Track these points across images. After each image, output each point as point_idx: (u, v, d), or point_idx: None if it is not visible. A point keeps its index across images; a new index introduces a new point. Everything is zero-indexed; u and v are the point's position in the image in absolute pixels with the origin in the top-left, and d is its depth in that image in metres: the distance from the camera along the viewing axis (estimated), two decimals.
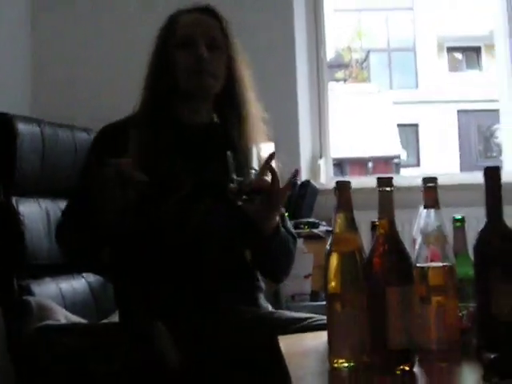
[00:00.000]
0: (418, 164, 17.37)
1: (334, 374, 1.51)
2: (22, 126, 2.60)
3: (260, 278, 2.34)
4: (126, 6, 4.23)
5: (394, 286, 1.45)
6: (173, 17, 2.31)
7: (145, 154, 2.02)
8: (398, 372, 1.45)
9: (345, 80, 17.76)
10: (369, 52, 18.27)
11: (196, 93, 2.25)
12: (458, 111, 17.72)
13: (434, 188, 1.57)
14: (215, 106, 2.33)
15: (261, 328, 2.06)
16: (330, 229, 3.58)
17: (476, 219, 3.90)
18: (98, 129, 2.38)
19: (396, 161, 16.67)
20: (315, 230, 3.62)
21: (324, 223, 3.74)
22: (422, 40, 18.12)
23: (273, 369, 1.74)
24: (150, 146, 2.10)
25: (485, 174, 1.55)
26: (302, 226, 3.66)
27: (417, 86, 18.12)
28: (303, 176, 4.27)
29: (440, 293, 1.53)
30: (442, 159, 16.47)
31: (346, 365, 1.50)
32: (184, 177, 2.16)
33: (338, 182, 1.55)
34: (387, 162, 16.50)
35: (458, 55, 18.45)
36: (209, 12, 2.32)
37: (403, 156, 16.89)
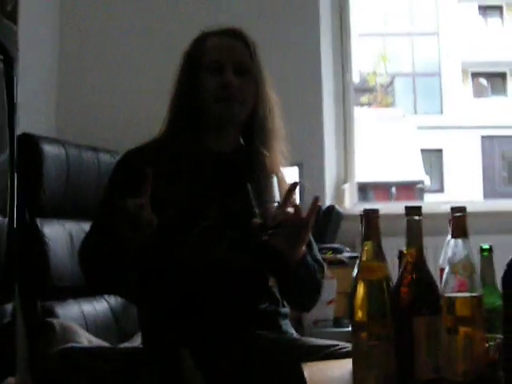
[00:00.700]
0: (441, 190, 17.29)
1: None
2: (47, 148, 2.63)
3: (285, 303, 2.30)
4: (151, 29, 4.27)
5: (422, 316, 1.44)
6: (200, 39, 2.28)
7: (167, 182, 2.02)
8: None
9: (369, 104, 17.74)
10: (394, 77, 18.26)
11: (222, 119, 2.20)
12: (482, 137, 17.64)
13: (463, 217, 1.55)
14: (242, 131, 2.29)
15: (286, 355, 2.04)
16: (353, 255, 3.57)
17: (501, 247, 3.88)
18: (121, 150, 2.38)
19: (419, 186, 16.59)
20: (339, 256, 3.60)
21: (348, 249, 3.73)
22: (447, 65, 18.09)
23: None
24: (174, 173, 2.10)
25: None
26: (326, 252, 3.65)
27: (441, 112, 18.07)
28: (327, 201, 4.27)
29: (467, 324, 1.51)
30: (466, 185, 16.38)
31: None
32: (208, 206, 2.12)
33: (365, 210, 1.54)
34: (411, 188, 16.44)
35: (483, 81, 18.39)
36: (236, 35, 2.27)
37: (427, 182, 16.81)
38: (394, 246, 3.32)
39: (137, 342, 2.41)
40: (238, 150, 2.27)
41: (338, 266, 3.52)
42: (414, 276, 1.47)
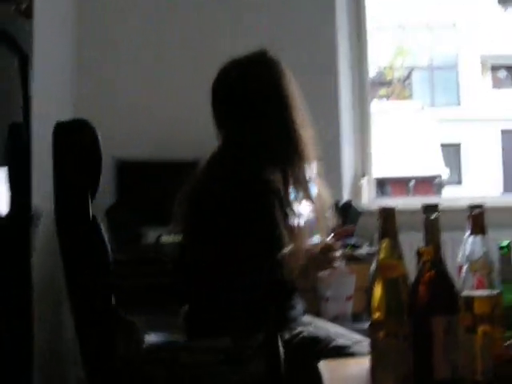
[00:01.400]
0: (459, 182, 17.21)
1: None
2: None
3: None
4: (169, 27, 4.28)
5: (440, 316, 1.42)
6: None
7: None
8: None
9: (387, 97, 17.68)
10: (411, 70, 18.18)
11: None
12: (502, 131, 17.53)
13: (481, 215, 1.53)
14: None
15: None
16: (372, 250, 3.56)
17: None
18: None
19: (438, 180, 16.52)
20: (357, 252, 3.59)
21: (366, 244, 3.71)
22: (465, 58, 17.99)
23: None
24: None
25: None
26: (344, 247, 3.64)
27: (459, 104, 17.98)
28: (345, 196, 4.25)
29: (486, 322, 1.50)
30: (485, 179, 16.29)
31: None
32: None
33: (382, 209, 1.52)
34: (429, 182, 16.36)
35: (502, 73, 18.27)
36: None
37: (445, 175, 16.73)
38: (412, 241, 3.30)
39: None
40: None
41: (356, 262, 3.50)
42: (432, 274, 1.46)
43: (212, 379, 2.23)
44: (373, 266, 1.53)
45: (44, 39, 3.02)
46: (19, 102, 2.40)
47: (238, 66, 2.42)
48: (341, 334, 2.42)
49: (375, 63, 15.96)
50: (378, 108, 15.63)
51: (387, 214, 1.52)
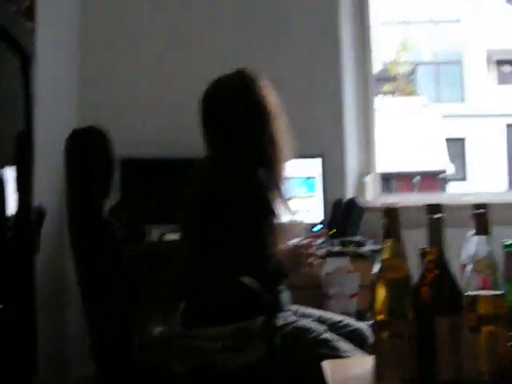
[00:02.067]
0: (464, 178, 17.18)
1: None
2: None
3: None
4: (172, 29, 4.27)
5: (444, 317, 1.41)
6: None
7: None
8: None
9: (392, 93, 17.65)
10: (416, 65, 18.16)
11: None
12: (508, 125, 17.50)
13: (485, 214, 1.53)
14: None
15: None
16: (376, 247, 3.55)
17: None
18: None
19: (443, 175, 16.50)
20: (361, 249, 3.58)
21: (370, 242, 3.70)
22: (470, 53, 17.96)
23: None
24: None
25: None
26: (348, 245, 3.63)
27: (464, 100, 17.95)
28: (349, 193, 4.24)
29: (490, 322, 1.48)
30: (490, 174, 16.27)
31: None
32: None
33: (386, 209, 1.52)
34: (434, 177, 16.34)
35: (507, 68, 18.24)
36: None
37: (450, 170, 16.70)
38: (417, 238, 3.30)
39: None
40: None
41: (360, 259, 3.50)
42: (436, 275, 1.45)
43: (213, 366, 2.41)
44: (376, 266, 1.52)
45: (47, 39, 3.02)
46: (21, 103, 2.39)
47: (222, 86, 2.70)
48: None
49: (379, 59, 15.94)
50: (383, 104, 15.63)
51: (391, 214, 1.52)
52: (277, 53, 4.26)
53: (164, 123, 4.14)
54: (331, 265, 3.42)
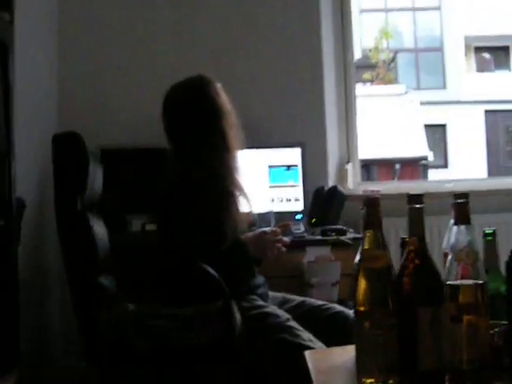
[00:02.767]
0: (445, 165, 17.25)
1: None
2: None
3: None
4: (153, 22, 4.26)
5: (425, 307, 1.42)
6: None
7: None
8: None
9: (372, 81, 17.67)
10: (396, 52, 18.18)
11: None
12: (486, 111, 17.57)
13: (466, 204, 1.52)
14: None
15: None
16: (357, 236, 3.55)
17: (505, 225, 3.86)
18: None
19: (423, 162, 16.55)
20: (343, 237, 3.58)
21: (352, 230, 3.71)
22: (450, 40, 18.00)
23: None
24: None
25: None
26: (330, 233, 3.63)
27: (444, 87, 18.00)
28: (330, 181, 4.25)
29: (471, 311, 1.49)
30: (470, 160, 16.34)
31: None
32: None
33: (366, 199, 1.52)
34: (414, 164, 16.40)
35: (486, 55, 18.30)
36: None
37: (430, 157, 16.76)
38: (398, 226, 3.31)
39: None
40: None
41: (341, 248, 3.51)
42: (417, 265, 1.45)
43: (172, 344, 2.54)
44: (357, 257, 1.52)
45: (25, 30, 3.00)
46: (0, 94, 2.38)
47: (181, 87, 2.93)
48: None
49: (360, 46, 15.95)
50: (363, 92, 15.64)
51: (371, 205, 1.51)
52: (256, 41, 4.24)
53: (142, 112, 4.13)
54: (313, 253, 3.43)
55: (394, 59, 18.20)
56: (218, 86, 2.94)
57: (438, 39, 18.25)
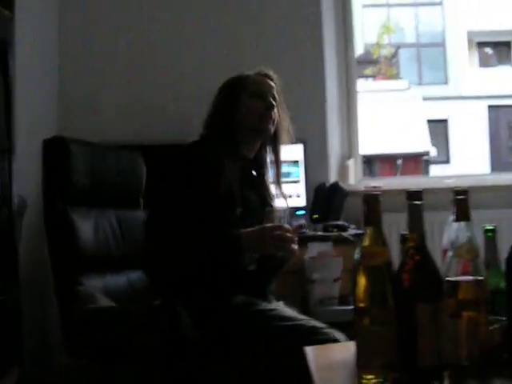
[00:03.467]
0: (447, 161, 17.24)
1: None
2: (74, 148, 2.91)
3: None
4: (152, 19, 4.25)
5: (424, 303, 1.42)
6: (243, 77, 2.86)
7: (213, 178, 2.59)
8: None
9: (374, 77, 17.66)
10: (398, 48, 18.17)
11: (259, 133, 2.79)
12: (489, 106, 17.56)
13: (465, 201, 1.52)
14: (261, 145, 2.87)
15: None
16: (359, 232, 3.55)
17: (507, 221, 3.85)
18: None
19: (425, 158, 16.55)
20: (344, 234, 3.59)
21: (353, 226, 3.71)
22: (452, 35, 17.99)
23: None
24: (217, 170, 2.62)
25: None
26: (331, 229, 3.64)
27: (446, 82, 17.99)
28: (332, 177, 4.25)
29: (471, 307, 1.49)
30: (472, 155, 16.33)
31: (375, 381, 1.47)
32: (239, 198, 2.70)
33: (366, 196, 1.52)
34: (417, 159, 16.39)
35: (489, 50, 18.28)
36: (269, 77, 2.89)
37: (433, 153, 16.75)
38: (400, 222, 3.31)
39: None
40: (257, 155, 2.86)
41: (343, 244, 3.51)
42: (416, 262, 1.45)
43: (131, 341, 2.57)
44: (357, 253, 1.52)
45: (25, 28, 3.00)
46: (1, 91, 2.38)
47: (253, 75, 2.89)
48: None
49: (362, 42, 15.94)
50: (366, 87, 15.63)
51: (371, 201, 1.51)
52: (258, 37, 4.24)
53: (144, 109, 4.14)
54: (314, 249, 3.43)
55: (395, 54, 18.18)
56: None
57: (440, 34, 18.24)
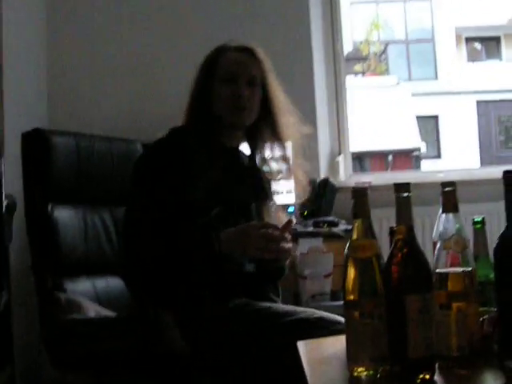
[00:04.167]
0: (438, 156, 17.27)
1: (353, 382, 1.49)
2: (56, 139, 2.75)
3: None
4: (141, 14, 4.24)
5: (414, 295, 1.42)
6: (218, 52, 2.58)
7: (193, 170, 2.38)
8: (419, 381, 1.43)
9: (363, 73, 17.66)
10: (387, 44, 18.18)
11: (233, 124, 2.53)
12: (478, 102, 17.59)
13: (453, 192, 1.53)
14: (247, 133, 2.62)
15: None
16: (349, 227, 3.55)
17: (497, 215, 3.86)
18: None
19: (416, 153, 16.57)
20: (335, 229, 3.59)
21: (344, 221, 3.71)
22: (441, 30, 18.00)
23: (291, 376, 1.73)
24: (197, 162, 2.41)
25: (504, 178, 1.50)
26: (322, 225, 3.64)
27: (436, 77, 18.01)
28: (322, 173, 4.25)
29: (460, 299, 1.50)
30: (463, 150, 16.36)
31: (366, 373, 1.48)
32: (224, 192, 2.44)
33: (354, 189, 1.52)
34: (407, 155, 16.41)
35: (477, 45, 18.31)
36: (250, 52, 2.59)
37: (423, 148, 16.77)
38: (390, 216, 3.32)
39: None
40: (252, 145, 2.64)
41: (334, 240, 3.51)
42: (405, 253, 1.46)
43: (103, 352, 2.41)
44: (347, 246, 1.53)
45: (13, 21, 2.98)
46: None
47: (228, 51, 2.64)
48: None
49: (351, 38, 15.95)
50: (355, 83, 15.64)
51: (359, 195, 1.52)
52: (244, 34, 4.23)
53: (132, 105, 4.14)
54: (305, 245, 3.43)
55: (384, 51, 18.19)
56: None
57: (429, 30, 18.25)
